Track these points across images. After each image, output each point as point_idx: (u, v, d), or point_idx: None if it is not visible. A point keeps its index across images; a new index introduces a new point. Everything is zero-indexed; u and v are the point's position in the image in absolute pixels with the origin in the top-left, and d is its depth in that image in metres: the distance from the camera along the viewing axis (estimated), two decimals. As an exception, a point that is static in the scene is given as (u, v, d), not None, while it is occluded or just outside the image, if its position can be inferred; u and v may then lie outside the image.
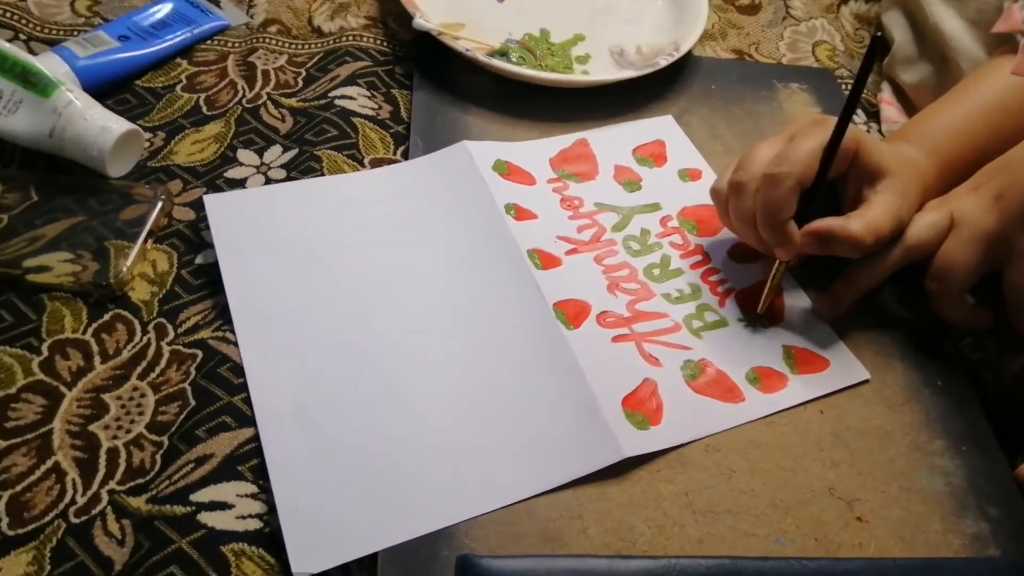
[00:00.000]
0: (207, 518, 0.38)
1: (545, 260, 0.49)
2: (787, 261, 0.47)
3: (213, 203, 0.49)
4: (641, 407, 0.43)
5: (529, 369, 0.44)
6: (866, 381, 0.46)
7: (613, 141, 0.57)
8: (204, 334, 0.45)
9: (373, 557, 0.37)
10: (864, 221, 0.45)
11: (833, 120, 0.46)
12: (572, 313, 0.47)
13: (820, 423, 0.45)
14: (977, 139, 0.50)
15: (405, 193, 0.52)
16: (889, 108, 0.65)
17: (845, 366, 0.47)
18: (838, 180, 0.48)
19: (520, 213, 0.51)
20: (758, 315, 0.48)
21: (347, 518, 0.38)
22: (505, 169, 0.54)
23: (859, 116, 0.64)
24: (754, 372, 0.46)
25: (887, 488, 0.42)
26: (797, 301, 0.50)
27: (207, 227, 0.49)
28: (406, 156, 0.54)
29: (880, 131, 0.63)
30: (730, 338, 0.47)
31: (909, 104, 0.65)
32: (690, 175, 0.56)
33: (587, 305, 0.48)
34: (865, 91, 0.67)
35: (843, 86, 0.66)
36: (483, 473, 0.40)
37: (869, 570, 0.36)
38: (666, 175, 0.56)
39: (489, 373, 0.44)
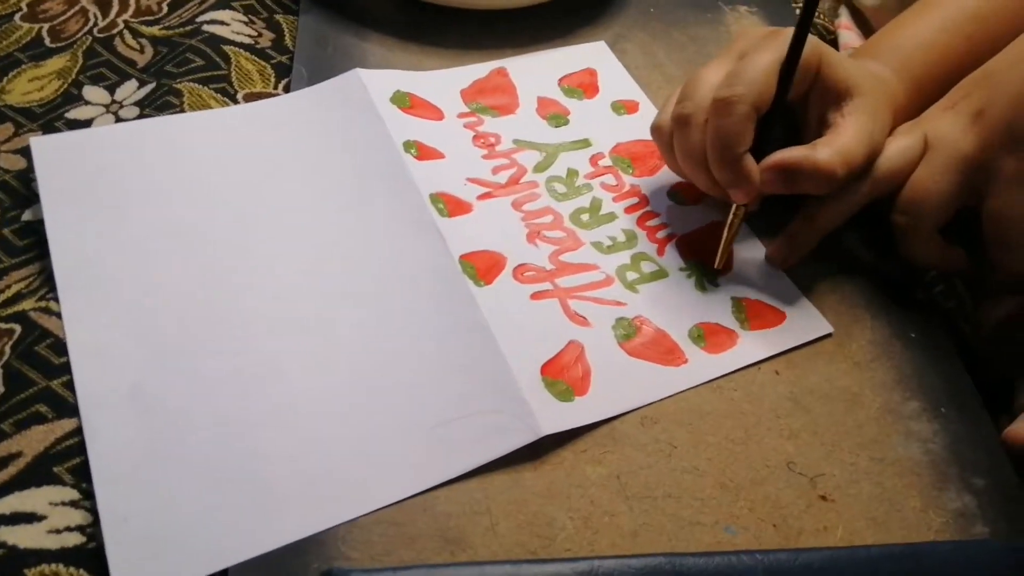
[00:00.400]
0: (7, 534, 0.30)
1: (452, 206, 0.41)
2: (746, 205, 0.40)
3: (41, 147, 0.40)
4: (564, 374, 0.36)
5: (428, 334, 0.37)
6: (829, 335, 0.40)
7: (536, 70, 0.49)
8: (26, 305, 0.36)
9: (224, 573, 0.30)
10: (834, 149, 0.38)
11: (788, 32, 0.38)
12: (483, 267, 0.39)
13: (776, 386, 0.38)
14: (952, 54, 0.44)
15: (282, 131, 0.43)
16: (848, 33, 0.58)
17: (804, 319, 0.40)
18: (797, 105, 0.41)
19: (423, 151, 0.43)
20: (715, 270, 0.41)
21: (192, 528, 0.30)
22: (407, 102, 0.46)
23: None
24: (699, 329, 0.39)
25: (855, 460, 0.36)
26: (748, 246, 0.43)
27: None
28: (289, 91, 0.46)
29: (839, 59, 0.56)
30: (671, 291, 0.40)
31: (869, 29, 0.59)
32: (625, 107, 0.48)
33: (501, 257, 0.40)
34: (821, 17, 0.61)
35: (797, 11, 0.59)
36: (368, 464, 0.33)
37: (837, 563, 0.29)
38: (597, 108, 0.48)
39: (379, 341, 0.36)
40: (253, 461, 0.32)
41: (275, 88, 0.46)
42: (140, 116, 0.43)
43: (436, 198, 0.41)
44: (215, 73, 0.46)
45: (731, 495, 0.34)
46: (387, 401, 0.34)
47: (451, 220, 0.41)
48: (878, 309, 0.41)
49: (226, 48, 0.47)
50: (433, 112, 0.46)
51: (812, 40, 0.38)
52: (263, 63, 0.47)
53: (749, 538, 0.33)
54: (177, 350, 0.35)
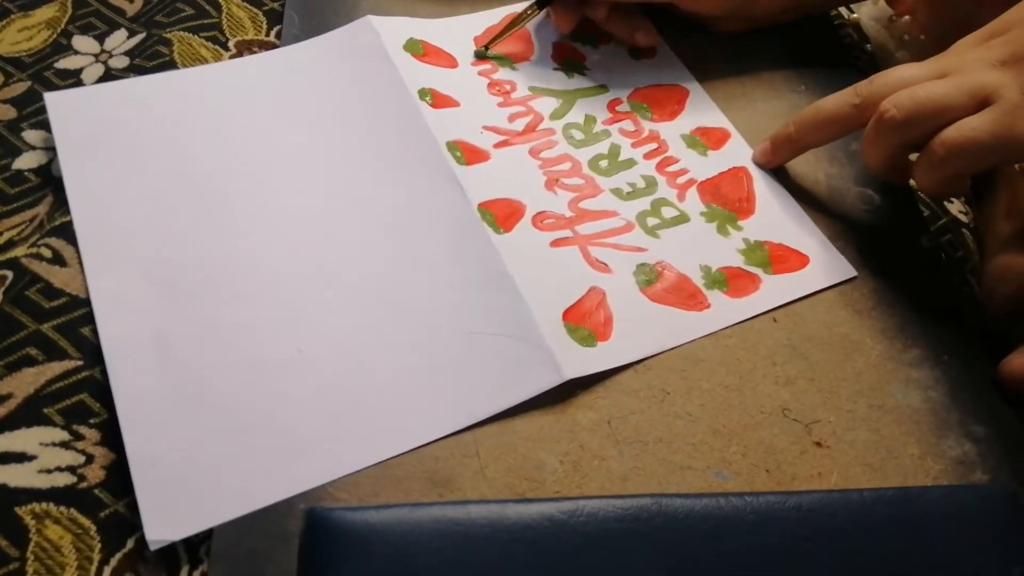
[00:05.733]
0: (-4, 474, 0.30)
1: (469, 154, 0.41)
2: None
3: (56, 102, 0.40)
4: (586, 320, 0.36)
5: (448, 282, 0.36)
6: (854, 278, 0.39)
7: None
8: (18, 252, 0.36)
9: (212, 514, 0.30)
10: None
11: None
12: (502, 215, 0.39)
13: (773, 333, 0.37)
14: None
15: (296, 79, 0.43)
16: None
17: (828, 262, 0.39)
18: None
19: (438, 100, 0.43)
20: (484, 48, 0.45)
21: (219, 473, 0.30)
22: (420, 49, 0.45)
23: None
24: (721, 274, 0.38)
25: (853, 407, 0.35)
26: (769, 189, 0.42)
27: (29, 127, 0.40)
28: (280, 37, 0.45)
29: None
30: (692, 236, 0.40)
31: None
32: (641, 51, 0.47)
33: (520, 205, 0.39)
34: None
35: None
36: (389, 409, 0.33)
37: (828, 505, 0.29)
38: (614, 53, 0.47)
39: (399, 289, 0.36)
40: (275, 406, 0.32)
41: (267, 35, 0.46)
42: (130, 66, 0.43)
43: (453, 146, 0.41)
44: (206, 21, 0.45)
45: (723, 440, 0.34)
46: (408, 347, 0.34)
47: (468, 168, 0.40)
48: (882, 257, 0.40)
49: (217, -5, 0.46)
50: (447, 60, 0.45)
51: None
52: (255, 10, 0.46)
53: (741, 483, 0.32)
54: (197, 298, 0.35)
